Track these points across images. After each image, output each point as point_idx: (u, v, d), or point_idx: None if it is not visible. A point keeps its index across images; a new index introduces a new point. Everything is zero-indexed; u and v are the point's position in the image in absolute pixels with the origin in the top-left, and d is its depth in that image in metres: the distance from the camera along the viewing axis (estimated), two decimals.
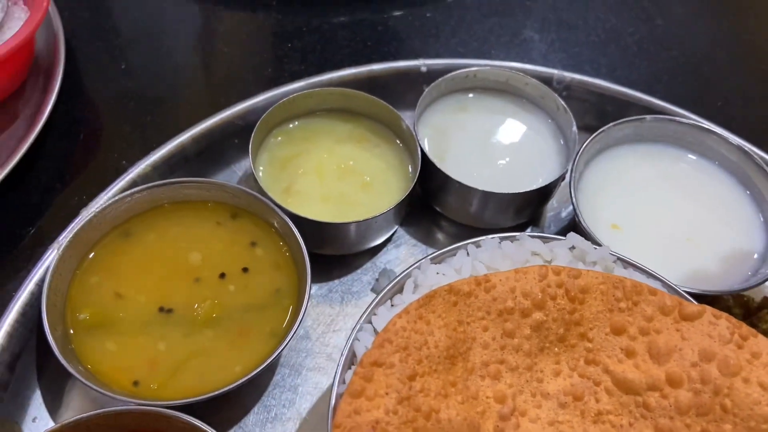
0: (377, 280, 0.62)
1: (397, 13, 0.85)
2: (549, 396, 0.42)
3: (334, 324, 0.59)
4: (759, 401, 0.39)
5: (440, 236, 0.66)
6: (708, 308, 0.42)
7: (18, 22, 0.68)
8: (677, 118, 0.66)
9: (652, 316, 0.43)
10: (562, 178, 0.63)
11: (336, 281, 0.62)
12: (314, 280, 0.60)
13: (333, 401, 0.43)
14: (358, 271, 0.63)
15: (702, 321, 0.42)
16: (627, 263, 0.50)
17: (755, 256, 0.60)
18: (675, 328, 0.42)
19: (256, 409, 0.54)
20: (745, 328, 0.41)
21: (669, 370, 0.41)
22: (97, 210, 0.55)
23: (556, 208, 0.68)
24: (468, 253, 0.50)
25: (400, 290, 0.49)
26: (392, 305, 0.48)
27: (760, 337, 0.41)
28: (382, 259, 0.64)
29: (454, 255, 0.51)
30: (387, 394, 0.39)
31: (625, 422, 0.41)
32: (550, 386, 0.42)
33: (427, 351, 0.41)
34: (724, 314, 0.42)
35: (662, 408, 0.41)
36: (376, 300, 0.48)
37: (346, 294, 0.61)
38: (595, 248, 0.49)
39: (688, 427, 0.40)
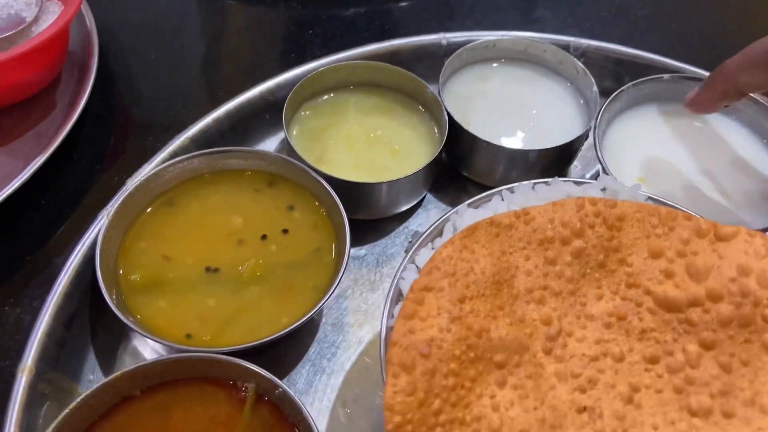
0: (410, 241, 0.64)
1: (413, 0, 0.88)
2: (593, 318, 0.43)
3: (371, 284, 0.61)
4: None
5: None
6: (743, 228, 0.44)
7: (52, 16, 0.71)
8: (694, 76, 0.68)
9: (689, 239, 0.44)
10: (585, 136, 0.65)
11: (370, 245, 0.64)
12: (350, 244, 0.62)
13: (383, 332, 0.45)
14: (391, 234, 0.65)
15: (737, 240, 0.44)
16: (659, 201, 0.52)
17: None
18: (711, 249, 0.44)
19: (302, 362, 0.56)
20: None
21: (708, 286, 0.42)
22: (142, 179, 0.57)
23: (580, 171, 0.70)
24: (503, 198, 0.52)
25: (440, 234, 0.50)
26: (432, 248, 0.49)
27: None
28: (413, 223, 0.66)
29: (490, 200, 0.52)
30: (439, 314, 0.40)
31: (669, 338, 0.42)
32: (594, 309, 0.44)
33: (473, 277, 0.43)
34: (759, 232, 0.44)
35: (705, 322, 0.42)
36: (419, 242, 0.50)
37: (381, 256, 0.63)
38: (627, 187, 0.51)
39: (731, 338, 0.42)
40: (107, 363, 0.54)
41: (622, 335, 0.43)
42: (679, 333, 0.42)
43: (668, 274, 0.44)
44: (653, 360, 0.42)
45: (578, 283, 0.44)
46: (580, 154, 0.69)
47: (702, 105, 0.61)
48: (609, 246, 0.45)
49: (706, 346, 0.42)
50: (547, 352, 0.42)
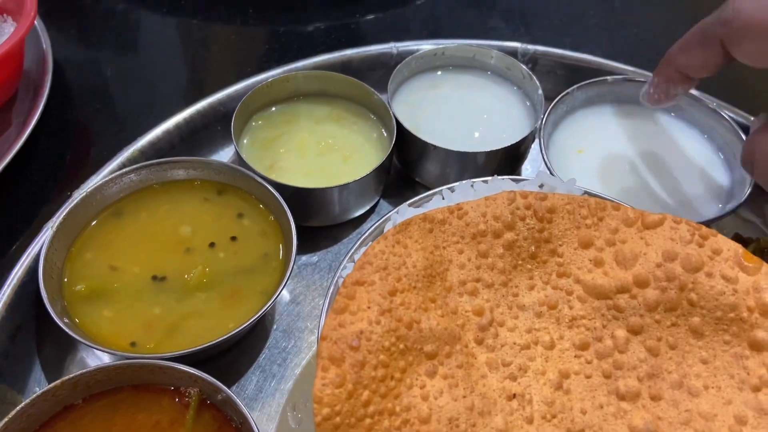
0: (353, 245, 0.64)
1: (370, 16, 0.89)
2: (525, 307, 0.44)
3: (323, 290, 0.61)
4: (723, 292, 0.41)
5: None
6: (669, 216, 0.45)
7: (4, 37, 0.72)
8: (637, 78, 0.70)
9: (617, 228, 0.45)
10: (532, 138, 0.66)
11: (323, 251, 0.64)
12: (302, 251, 0.62)
13: (319, 330, 0.45)
14: (344, 241, 0.65)
15: (664, 227, 0.44)
16: (594, 195, 0.53)
17: (719, 195, 0.62)
18: (639, 237, 0.44)
19: (252, 369, 0.56)
20: (705, 230, 0.44)
21: (635, 272, 0.43)
22: (89, 190, 0.57)
23: (530, 172, 0.71)
24: (443, 197, 0.53)
25: (381, 232, 0.51)
26: None
27: (720, 236, 0.44)
28: (366, 229, 0.66)
29: (430, 200, 0.53)
30: (369, 308, 0.41)
31: (598, 324, 0.43)
32: (526, 299, 0.44)
33: (405, 270, 0.43)
34: (684, 219, 0.44)
35: (632, 308, 0.43)
36: (359, 242, 0.50)
37: (333, 262, 0.63)
38: (563, 181, 0.52)
39: (658, 322, 0.42)
40: (53, 374, 0.53)
41: (552, 323, 0.43)
42: (608, 319, 0.43)
43: (597, 263, 0.44)
44: (583, 346, 0.42)
45: (510, 274, 0.45)
46: (531, 156, 0.70)
47: (653, 96, 0.62)
48: (540, 237, 0.45)
49: (634, 331, 0.42)
50: (479, 342, 0.42)
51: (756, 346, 0.40)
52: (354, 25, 0.87)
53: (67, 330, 0.49)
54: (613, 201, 0.49)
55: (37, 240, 0.55)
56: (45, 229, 0.55)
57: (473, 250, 0.45)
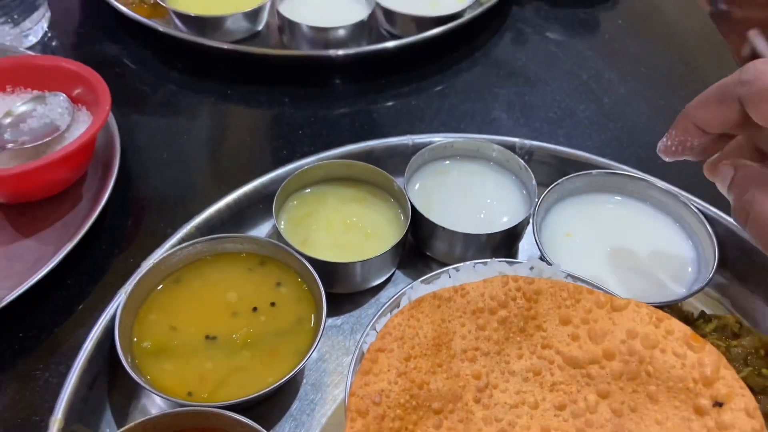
0: (375, 315, 0.75)
1: (389, 103, 1.02)
2: (514, 373, 0.54)
3: (345, 349, 0.72)
4: (674, 365, 0.52)
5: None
6: (632, 300, 0.55)
7: (83, 125, 0.84)
8: (619, 171, 0.81)
9: (591, 309, 0.56)
10: (527, 221, 0.77)
11: (346, 315, 0.75)
12: (328, 315, 0.73)
13: (348, 386, 0.55)
14: (364, 306, 0.76)
15: (628, 310, 0.55)
16: (575, 278, 0.63)
17: (687, 276, 0.73)
18: (608, 317, 0.55)
19: (285, 417, 0.66)
20: (661, 313, 0.54)
21: (604, 347, 0.53)
22: (155, 261, 0.69)
23: (526, 250, 0.82)
24: (450, 276, 0.63)
25: (398, 305, 0.62)
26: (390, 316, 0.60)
27: (674, 319, 0.54)
28: (383, 296, 0.77)
29: (439, 278, 0.64)
30: (388, 371, 0.51)
31: (574, 389, 0.53)
32: (515, 366, 0.54)
33: (418, 340, 0.54)
34: (644, 304, 0.55)
35: (601, 376, 0.53)
36: (379, 312, 0.61)
37: (355, 324, 0.74)
38: (550, 265, 0.62)
39: (622, 389, 0.52)
40: (121, 418, 0.64)
41: (537, 387, 0.53)
42: (581, 385, 0.53)
43: (574, 338, 0.55)
44: (561, 407, 0.52)
45: (503, 345, 0.55)
46: (526, 236, 0.81)
47: (670, 148, 0.64)
48: (528, 315, 0.56)
49: (602, 395, 0.52)
50: (477, 401, 0.52)
51: (699, 411, 0.50)
52: (375, 114, 1.00)
53: (137, 380, 0.60)
54: (588, 286, 0.60)
55: (112, 303, 0.66)
56: (119, 294, 0.67)
57: (473, 323, 0.56)
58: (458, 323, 0.56)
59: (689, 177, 0.89)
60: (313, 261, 0.70)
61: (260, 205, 0.81)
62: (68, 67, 0.84)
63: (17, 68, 0.85)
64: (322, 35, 1.03)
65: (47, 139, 0.81)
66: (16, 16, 0.97)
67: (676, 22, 1.16)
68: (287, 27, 1.05)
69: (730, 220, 0.78)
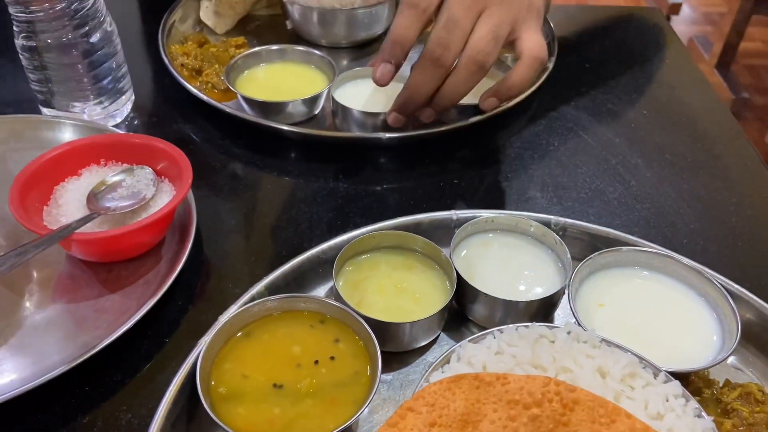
0: (427, 370, 0.82)
1: (432, 180, 1.13)
2: None
3: (396, 403, 0.78)
4: None
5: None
6: None
7: (166, 196, 0.95)
8: (646, 249, 0.89)
9: None
10: (562, 292, 0.85)
11: (395, 372, 0.82)
12: (381, 370, 0.80)
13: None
14: (412, 364, 0.83)
15: None
16: (610, 343, 0.70)
17: (712, 346, 0.79)
18: None
19: None
20: None
21: None
22: (231, 315, 0.78)
23: (561, 318, 0.89)
24: (494, 336, 0.71)
25: (447, 361, 0.69)
26: (442, 372, 0.68)
27: None
28: (429, 356, 0.84)
29: (485, 338, 0.71)
30: (412, 430, 0.58)
31: None
32: None
33: (447, 411, 0.60)
34: None
35: None
36: (431, 368, 0.68)
37: (404, 381, 0.81)
38: (586, 330, 0.70)
39: None
40: None
41: None
42: None
43: None
44: None
45: None
46: (561, 305, 0.88)
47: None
48: (560, 420, 0.61)
49: None
50: None
51: None
52: (420, 190, 1.10)
53: (216, 421, 0.67)
54: (622, 350, 0.66)
55: (193, 352, 0.75)
56: (200, 344, 0.75)
57: (506, 412, 0.61)
58: (491, 408, 0.62)
59: (712, 254, 0.96)
60: (368, 320, 0.79)
61: (320, 269, 0.90)
62: (156, 145, 0.96)
63: (112, 144, 0.98)
64: (371, 119, 1.15)
65: (135, 207, 0.92)
66: (105, 100, 1.11)
67: (697, 113, 1.26)
68: (340, 111, 1.17)
69: (752, 295, 0.85)
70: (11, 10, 1.00)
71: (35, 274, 0.90)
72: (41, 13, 0.98)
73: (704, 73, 4.18)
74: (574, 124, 1.23)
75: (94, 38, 1.04)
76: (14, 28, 1.02)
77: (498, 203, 1.08)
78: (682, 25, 4.93)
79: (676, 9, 4.97)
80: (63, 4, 0.98)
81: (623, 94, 1.31)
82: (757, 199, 1.08)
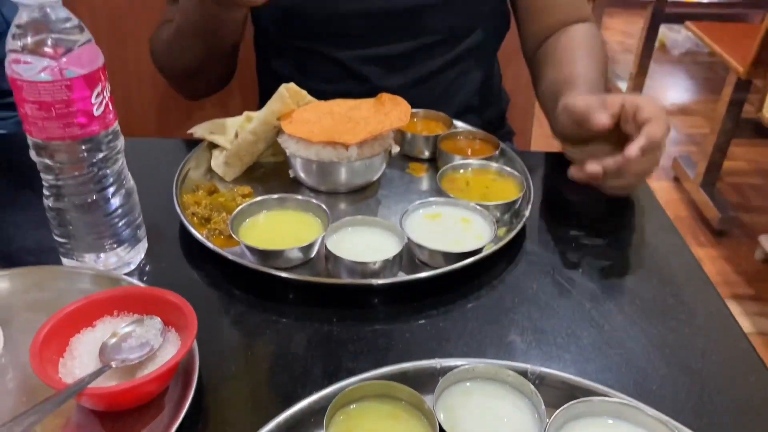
0: None
1: (420, 322, 1.21)
2: None
3: None
4: None
5: None
6: None
7: (172, 346, 1.03)
8: (615, 400, 0.96)
9: None
10: None
11: None
12: None
13: None
14: None
15: None
16: None
17: None
18: None
19: None
20: None
21: None
22: None
23: None
24: None
25: None
26: None
27: None
28: None
29: None
30: None
31: None
32: None
33: None
34: None
35: None
36: None
37: None
38: None
39: None
40: None
41: None
42: None
43: None
44: None
45: None
46: None
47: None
48: None
49: None
50: None
51: None
52: (408, 333, 1.18)
53: None
54: None
55: None
56: None
57: None
58: None
59: (680, 402, 1.03)
60: None
61: (311, 419, 0.96)
62: (167, 297, 1.05)
63: (125, 296, 1.07)
64: (361, 267, 1.25)
65: (143, 358, 0.99)
66: (121, 251, 1.22)
67: (665, 259, 1.37)
68: (332, 259, 1.27)
69: None
70: (43, 176, 1.13)
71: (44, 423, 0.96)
72: (70, 180, 1.11)
73: (690, 192, 4.34)
74: (552, 268, 1.33)
75: (116, 198, 1.17)
76: (44, 191, 1.14)
77: (480, 347, 1.15)
78: (666, 145, 5.21)
79: None
80: (90, 172, 1.11)
81: (597, 238, 1.42)
82: (723, 345, 1.15)
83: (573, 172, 1.31)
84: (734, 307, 3.63)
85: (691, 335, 1.17)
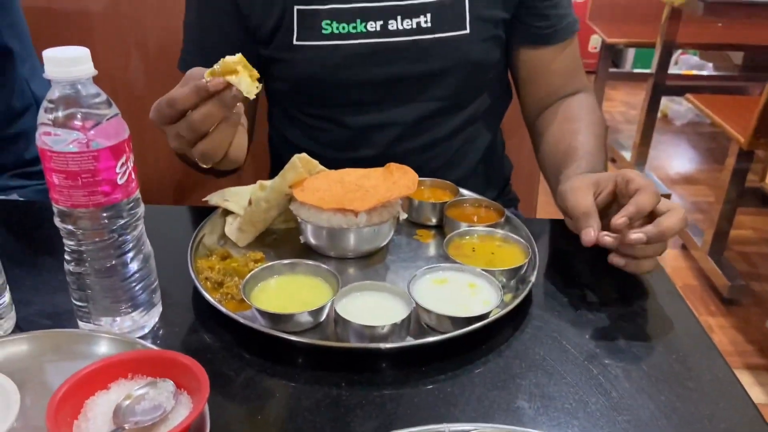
0: None
1: (428, 387, 1.22)
2: None
3: None
4: None
5: None
6: None
7: (182, 408, 1.05)
8: None
9: None
10: None
11: None
12: None
13: None
14: None
15: None
16: None
17: None
18: None
19: None
20: None
21: None
22: None
23: None
24: None
25: None
26: None
27: None
28: None
29: None
30: None
31: None
32: None
33: None
34: None
35: None
36: None
37: None
38: None
39: None
40: None
41: None
42: None
43: None
44: None
45: None
46: None
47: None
48: None
49: None
50: None
51: None
52: (416, 398, 1.19)
53: None
54: None
55: None
56: None
57: None
58: None
59: None
60: None
61: None
62: (181, 361, 1.07)
63: (140, 359, 1.09)
64: (369, 331, 1.27)
65: (155, 421, 1.01)
66: (137, 315, 1.25)
67: (670, 325, 1.39)
68: (341, 322, 1.30)
69: None
70: (65, 241, 1.18)
71: None
72: (92, 246, 1.15)
73: (698, 260, 4.35)
74: (558, 334, 1.35)
75: (134, 263, 1.21)
76: (65, 256, 1.19)
77: (488, 412, 1.16)
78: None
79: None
80: (111, 237, 1.16)
81: (601, 305, 1.44)
82: (730, 412, 1.15)
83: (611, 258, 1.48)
84: (747, 377, 3.57)
85: (698, 402, 1.17)
